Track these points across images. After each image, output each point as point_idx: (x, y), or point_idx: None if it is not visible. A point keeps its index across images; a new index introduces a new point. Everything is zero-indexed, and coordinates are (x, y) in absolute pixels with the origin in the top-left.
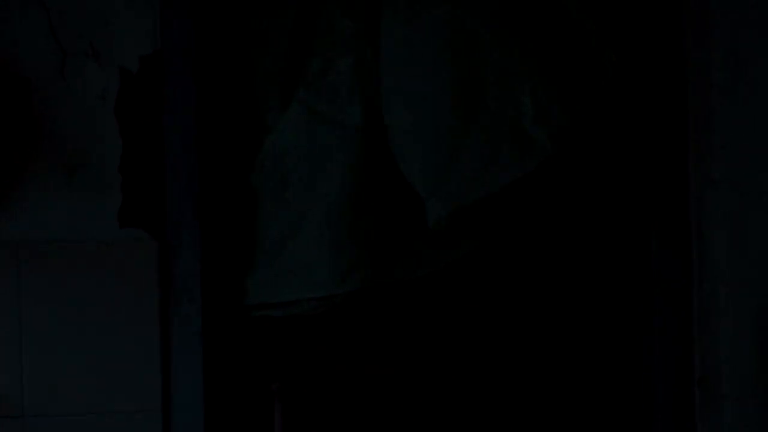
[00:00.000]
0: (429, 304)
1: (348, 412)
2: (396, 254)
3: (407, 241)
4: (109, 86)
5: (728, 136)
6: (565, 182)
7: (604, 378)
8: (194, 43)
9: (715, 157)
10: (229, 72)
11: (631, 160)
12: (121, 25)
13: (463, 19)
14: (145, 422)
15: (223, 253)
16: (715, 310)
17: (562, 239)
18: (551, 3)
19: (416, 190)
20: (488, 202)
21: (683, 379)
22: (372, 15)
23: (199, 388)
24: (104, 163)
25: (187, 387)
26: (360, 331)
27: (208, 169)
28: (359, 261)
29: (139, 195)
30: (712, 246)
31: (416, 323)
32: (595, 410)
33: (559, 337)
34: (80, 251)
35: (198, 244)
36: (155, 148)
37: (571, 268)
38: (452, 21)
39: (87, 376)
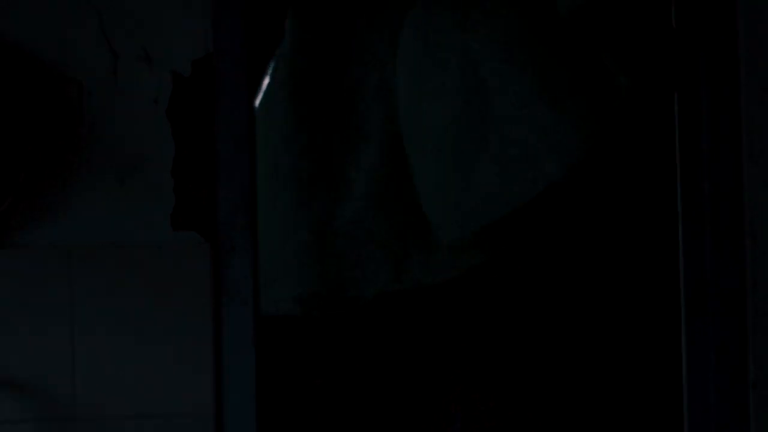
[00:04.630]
0: (459, 307)
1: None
2: (417, 260)
3: (428, 248)
4: (162, 90)
5: None
6: (613, 183)
7: (642, 382)
8: (246, 46)
9: None
10: None
11: (684, 162)
12: (173, 28)
13: (472, 49)
14: (198, 424)
15: None
16: None
17: (607, 240)
18: (560, 29)
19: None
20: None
21: (737, 382)
22: (393, 32)
23: (252, 389)
24: (157, 166)
25: (239, 389)
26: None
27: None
28: (379, 266)
29: (192, 198)
30: (766, 248)
31: (438, 326)
32: (634, 413)
33: (596, 340)
34: (133, 254)
35: (250, 247)
36: (208, 151)
37: (615, 270)
38: (463, 50)
39: (139, 378)
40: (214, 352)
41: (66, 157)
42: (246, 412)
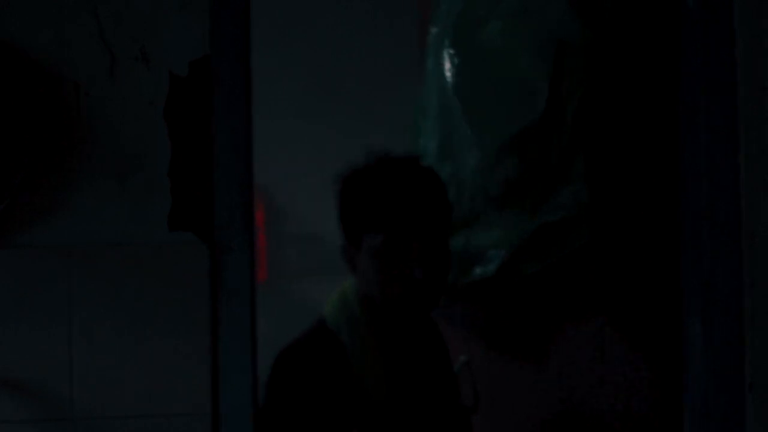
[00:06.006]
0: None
1: None
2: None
3: None
4: (159, 91)
5: None
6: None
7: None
8: (244, 47)
9: None
10: None
11: (681, 162)
12: (171, 29)
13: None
14: (197, 424)
15: None
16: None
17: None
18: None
19: None
20: None
21: (734, 384)
22: None
23: (250, 389)
24: (155, 167)
25: (237, 389)
26: None
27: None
28: None
29: (189, 198)
30: (764, 249)
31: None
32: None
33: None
34: (132, 254)
35: (247, 246)
36: (205, 152)
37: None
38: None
39: (138, 378)
40: (212, 352)
41: (64, 157)
42: (244, 412)
